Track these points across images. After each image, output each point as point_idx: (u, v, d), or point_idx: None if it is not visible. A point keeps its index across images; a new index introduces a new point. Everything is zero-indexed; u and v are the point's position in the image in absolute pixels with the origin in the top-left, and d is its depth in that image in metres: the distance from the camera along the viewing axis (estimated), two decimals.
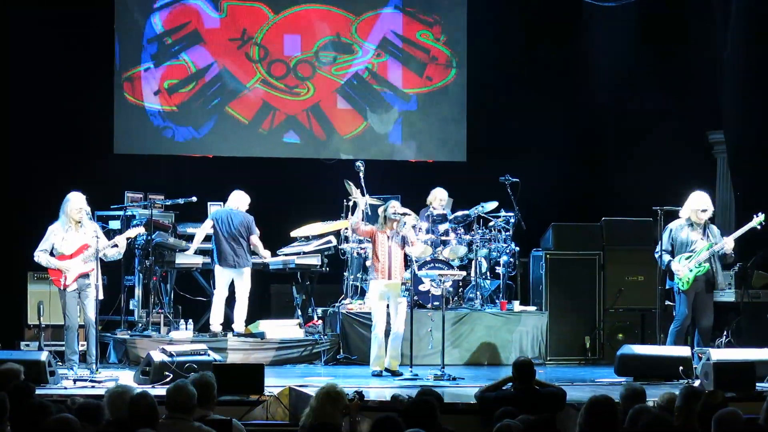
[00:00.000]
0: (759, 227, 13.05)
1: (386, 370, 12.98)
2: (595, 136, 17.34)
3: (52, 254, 12.42)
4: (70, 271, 12.35)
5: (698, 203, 12.94)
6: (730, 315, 14.91)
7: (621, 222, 15.03)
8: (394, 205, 13.04)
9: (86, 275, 12.40)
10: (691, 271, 12.83)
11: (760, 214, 13.02)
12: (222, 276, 14.09)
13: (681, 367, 12.23)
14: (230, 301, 14.30)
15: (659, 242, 13.17)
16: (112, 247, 12.59)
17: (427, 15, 17.53)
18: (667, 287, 13.37)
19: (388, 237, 12.98)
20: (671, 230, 13.04)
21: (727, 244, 12.88)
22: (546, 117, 17.29)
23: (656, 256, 13.22)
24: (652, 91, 17.31)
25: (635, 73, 17.37)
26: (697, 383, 11.51)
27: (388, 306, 13.05)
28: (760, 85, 16.16)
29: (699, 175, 16.95)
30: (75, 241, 12.41)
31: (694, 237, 12.92)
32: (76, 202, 12.44)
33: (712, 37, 16.70)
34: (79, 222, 12.43)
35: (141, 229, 13.43)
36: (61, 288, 12.41)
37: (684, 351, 12.58)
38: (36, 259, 12.55)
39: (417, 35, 17.51)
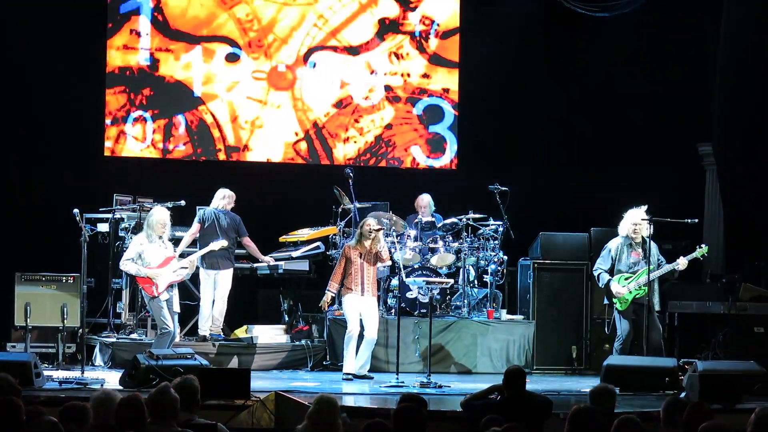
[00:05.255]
0: (701, 258, 13.34)
1: (355, 376, 13.08)
2: (585, 146, 17.34)
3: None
4: (161, 279, 12.76)
5: (635, 218, 13.12)
6: (717, 327, 14.93)
7: (609, 232, 15.00)
8: (369, 224, 13.18)
9: (173, 285, 12.93)
10: (630, 292, 13.02)
11: (703, 245, 13.29)
12: (207, 278, 14.11)
13: (667, 378, 12.25)
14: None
15: (599, 259, 13.41)
16: (182, 267, 13.10)
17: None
18: (605, 303, 13.59)
19: (360, 254, 13.09)
20: (610, 249, 13.30)
21: (681, 263, 13.09)
22: (536, 126, 17.31)
23: (595, 274, 13.43)
24: (642, 103, 17.32)
25: (625, 84, 17.38)
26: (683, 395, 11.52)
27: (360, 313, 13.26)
28: (749, 98, 16.20)
29: (688, 187, 17.01)
30: (159, 253, 12.87)
31: (635, 258, 13.16)
32: (161, 217, 12.90)
33: (701, 50, 16.73)
34: (161, 237, 12.92)
35: (222, 243, 13.80)
36: (155, 296, 12.81)
37: (670, 362, 12.61)
38: (123, 268, 13.06)
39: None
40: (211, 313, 14.14)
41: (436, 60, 17.44)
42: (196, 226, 14.21)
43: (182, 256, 13.57)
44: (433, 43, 17.44)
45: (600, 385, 8.27)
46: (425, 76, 17.42)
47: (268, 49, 16.99)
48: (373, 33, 17.26)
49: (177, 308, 13.04)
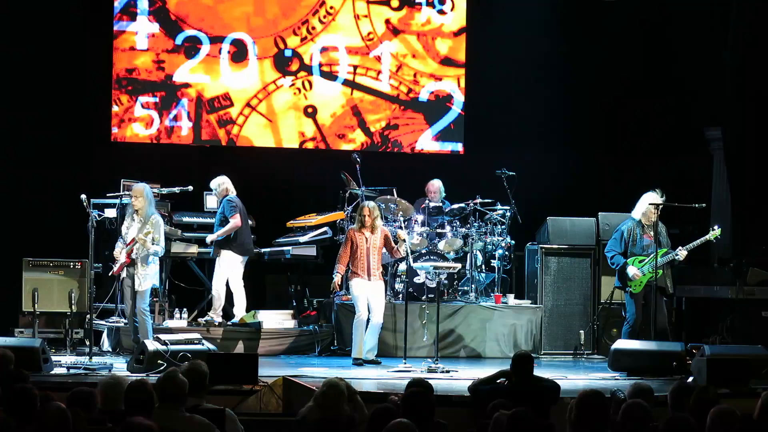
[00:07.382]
0: (714, 240, 13.49)
1: (364, 361, 13.10)
2: (593, 130, 17.31)
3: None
4: (118, 260, 12.68)
5: (653, 201, 13.23)
6: (725, 311, 14.93)
7: (617, 217, 15.02)
8: (366, 211, 13.17)
9: (131, 266, 12.60)
10: (644, 275, 13.11)
11: (716, 227, 13.36)
12: (240, 264, 14.07)
13: (674, 363, 12.26)
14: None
15: (611, 242, 13.53)
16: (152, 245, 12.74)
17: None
18: (616, 286, 13.70)
19: (366, 238, 13.10)
20: (623, 232, 13.39)
21: (681, 254, 13.21)
22: (544, 110, 17.26)
23: (608, 256, 13.50)
24: (651, 87, 17.29)
25: (634, 68, 17.34)
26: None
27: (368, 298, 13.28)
28: (758, 82, 16.16)
29: (695, 171, 16.97)
30: (132, 232, 12.66)
31: (648, 240, 13.25)
32: (133, 190, 12.76)
33: (710, 34, 16.68)
34: (139, 212, 12.65)
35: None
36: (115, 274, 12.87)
37: (677, 346, 12.62)
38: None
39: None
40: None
41: (445, 61, 17.36)
42: (238, 217, 14.00)
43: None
44: (439, 43, 17.35)
45: (637, 383, 8.21)
46: (432, 76, 17.35)
47: (272, 44, 16.93)
48: (380, 32, 17.19)
49: (141, 286, 12.58)
